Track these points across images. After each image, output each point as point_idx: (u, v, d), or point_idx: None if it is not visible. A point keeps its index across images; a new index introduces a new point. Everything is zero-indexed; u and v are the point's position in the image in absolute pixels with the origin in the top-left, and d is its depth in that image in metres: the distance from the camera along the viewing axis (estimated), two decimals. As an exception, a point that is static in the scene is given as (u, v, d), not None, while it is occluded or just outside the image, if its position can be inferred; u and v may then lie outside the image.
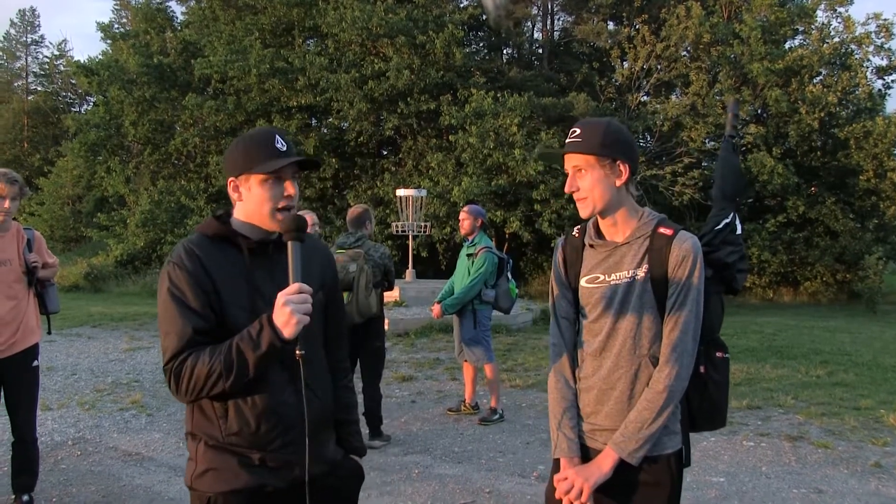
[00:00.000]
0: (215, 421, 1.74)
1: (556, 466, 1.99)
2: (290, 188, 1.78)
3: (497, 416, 5.77)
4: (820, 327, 12.14)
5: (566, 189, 1.92)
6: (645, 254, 1.88)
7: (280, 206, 1.76)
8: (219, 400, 1.72)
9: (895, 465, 4.65)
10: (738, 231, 2.11)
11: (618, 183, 1.87)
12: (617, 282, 1.90)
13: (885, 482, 4.36)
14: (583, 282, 1.97)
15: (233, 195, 1.80)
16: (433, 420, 5.84)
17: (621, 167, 1.87)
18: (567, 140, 1.91)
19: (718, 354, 1.98)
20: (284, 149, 1.77)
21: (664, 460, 1.90)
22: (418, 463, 4.72)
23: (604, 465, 1.88)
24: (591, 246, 1.97)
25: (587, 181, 1.88)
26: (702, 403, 1.96)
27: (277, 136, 1.78)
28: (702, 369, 1.94)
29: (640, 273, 1.87)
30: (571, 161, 1.90)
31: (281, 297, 1.62)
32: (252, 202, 1.77)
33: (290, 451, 1.77)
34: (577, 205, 1.92)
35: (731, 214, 2.11)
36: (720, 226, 2.08)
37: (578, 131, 1.89)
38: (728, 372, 2.01)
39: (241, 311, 1.72)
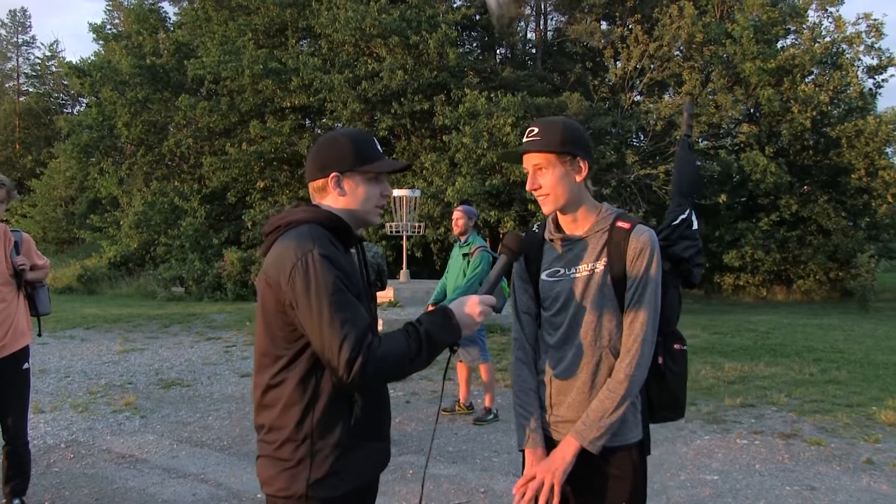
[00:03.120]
0: (341, 414, 1.72)
1: (524, 459, 2.02)
2: (389, 188, 1.88)
3: (491, 416, 5.78)
4: (813, 325, 12.19)
5: (528, 187, 1.95)
6: (603, 247, 1.91)
7: (380, 204, 1.84)
8: (346, 394, 1.72)
9: (887, 462, 4.68)
10: (695, 227, 2.14)
11: (578, 179, 1.91)
12: (577, 275, 1.93)
13: (877, 478, 4.39)
14: (543, 276, 2.00)
15: (332, 189, 1.79)
16: (428, 420, 5.83)
17: (581, 163, 1.91)
18: (525, 139, 1.93)
19: (676, 346, 2.01)
20: (382, 151, 1.86)
21: (625, 451, 1.92)
22: (413, 463, 4.72)
23: (566, 454, 1.89)
24: (551, 241, 2.00)
25: (548, 178, 1.91)
26: (661, 393, 2.00)
27: (375, 140, 1.87)
28: (660, 360, 1.97)
29: (599, 266, 1.91)
30: (532, 160, 1.92)
31: (477, 300, 1.72)
32: (357, 198, 1.80)
33: (387, 442, 1.86)
34: (539, 202, 1.95)
35: (688, 210, 2.14)
36: (677, 221, 2.11)
37: (537, 130, 1.91)
38: (686, 364, 2.04)
39: (363, 301, 1.72)
